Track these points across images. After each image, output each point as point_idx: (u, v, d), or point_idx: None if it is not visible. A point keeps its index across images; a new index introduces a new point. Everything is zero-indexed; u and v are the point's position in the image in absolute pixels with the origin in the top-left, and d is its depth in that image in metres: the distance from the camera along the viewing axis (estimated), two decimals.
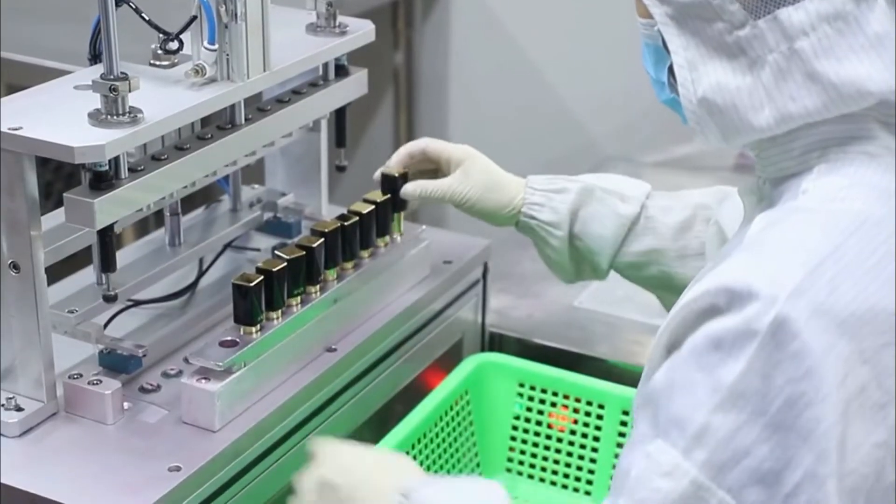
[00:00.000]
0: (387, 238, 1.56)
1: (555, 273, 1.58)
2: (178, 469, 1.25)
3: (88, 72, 1.36)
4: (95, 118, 1.25)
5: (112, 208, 1.27)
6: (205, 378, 1.31)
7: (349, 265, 1.49)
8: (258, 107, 1.49)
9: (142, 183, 1.30)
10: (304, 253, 1.41)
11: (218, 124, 1.43)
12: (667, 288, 1.51)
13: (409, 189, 1.54)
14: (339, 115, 1.63)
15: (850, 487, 0.98)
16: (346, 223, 1.48)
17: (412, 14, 3.14)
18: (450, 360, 1.68)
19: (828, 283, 0.98)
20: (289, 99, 1.52)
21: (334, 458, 1.21)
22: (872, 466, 0.99)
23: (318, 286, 1.44)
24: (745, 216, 1.17)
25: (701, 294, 1.01)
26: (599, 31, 2.94)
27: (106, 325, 1.43)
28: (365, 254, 1.52)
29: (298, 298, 1.41)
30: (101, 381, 1.32)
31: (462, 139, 3.24)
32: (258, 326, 1.35)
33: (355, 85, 1.62)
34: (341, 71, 1.60)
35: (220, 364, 1.31)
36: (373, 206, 1.52)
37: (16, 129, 1.22)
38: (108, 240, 1.29)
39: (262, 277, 1.35)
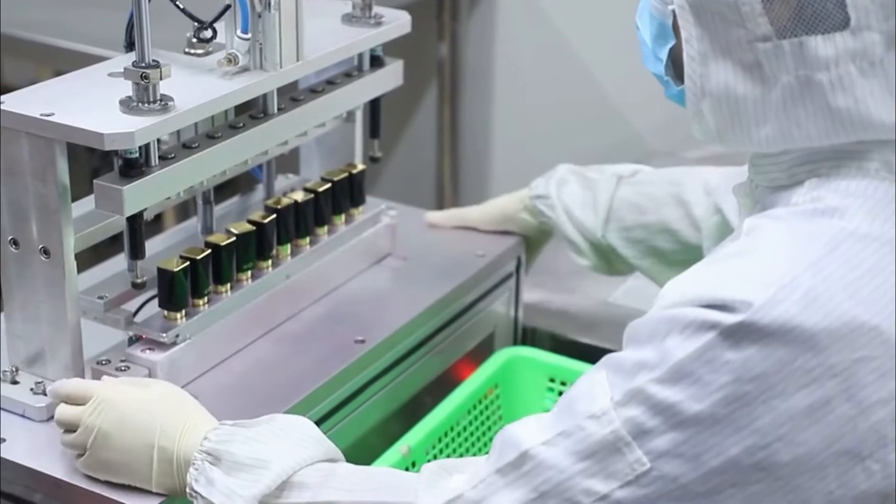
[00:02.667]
0: (344, 216, 1.58)
1: (582, 260, 1.66)
2: None
3: (123, 59, 1.36)
4: (126, 105, 1.25)
5: (141, 196, 1.27)
6: (150, 348, 1.33)
7: (304, 242, 1.51)
8: (291, 97, 1.49)
9: (172, 171, 1.30)
10: (253, 228, 1.42)
11: (251, 113, 1.43)
12: (662, 272, 1.57)
13: (438, 217, 1.72)
14: (374, 106, 1.63)
15: (806, 487, 0.98)
16: (300, 200, 1.49)
17: (457, 6, 3.13)
18: (482, 353, 1.67)
19: (802, 297, 0.97)
20: (322, 89, 1.52)
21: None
22: (835, 472, 0.98)
23: (269, 262, 1.45)
24: (741, 216, 1.16)
25: (678, 297, 1.02)
26: None
27: (136, 313, 1.43)
28: (322, 231, 1.53)
29: (249, 273, 1.43)
30: (129, 368, 1.33)
31: (505, 132, 3.27)
32: (206, 299, 1.37)
33: (390, 76, 1.62)
34: (376, 62, 1.60)
35: (164, 335, 1.33)
36: (329, 185, 1.53)
37: (48, 116, 1.23)
38: (138, 227, 1.30)
39: (209, 251, 1.37)
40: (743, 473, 0.98)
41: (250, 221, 1.44)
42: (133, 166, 1.27)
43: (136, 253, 1.31)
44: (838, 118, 1.02)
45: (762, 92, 1.03)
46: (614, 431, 1.00)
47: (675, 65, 1.11)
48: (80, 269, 1.32)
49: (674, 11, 1.07)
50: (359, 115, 1.67)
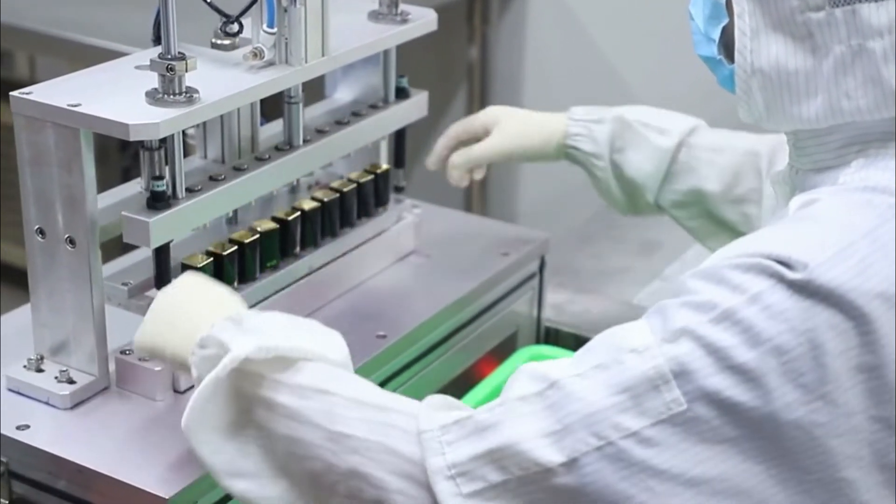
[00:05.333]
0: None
1: (611, 205, 1.62)
2: None
3: (150, 52, 1.38)
4: (152, 97, 1.26)
5: (168, 228, 1.29)
6: None
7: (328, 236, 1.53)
8: (316, 128, 1.51)
9: (198, 203, 1.32)
10: (277, 227, 1.44)
11: (276, 145, 1.45)
12: (711, 234, 1.56)
13: (456, 160, 1.60)
14: (399, 138, 1.64)
15: (838, 452, 0.98)
16: (325, 200, 1.50)
17: (488, 10, 3.14)
18: (504, 352, 1.68)
19: (859, 262, 0.97)
20: (348, 121, 1.54)
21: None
22: (869, 439, 0.98)
23: (291, 259, 1.47)
24: (779, 205, 1.16)
25: (735, 252, 1.01)
26: (676, 31, 2.91)
27: None
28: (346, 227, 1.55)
29: (271, 271, 1.44)
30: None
31: None
32: None
33: (415, 107, 1.63)
34: (402, 93, 1.61)
35: None
36: (355, 185, 1.54)
37: (74, 106, 1.24)
38: (164, 258, 1.32)
39: (235, 248, 1.39)
40: (780, 428, 0.97)
41: (274, 219, 1.45)
42: (160, 199, 1.29)
43: (163, 283, 1.33)
44: (889, 87, 1.02)
45: (813, 63, 1.04)
46: (656, 367, 0.98)
47: (727, 48, 1.11)
48: (106, 259, 1.34)
49: None
50: (383, 146, 1.66)
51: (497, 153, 1.61)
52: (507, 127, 1.61)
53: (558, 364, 1.04)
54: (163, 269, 1.33)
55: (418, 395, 1.51)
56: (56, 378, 1.33)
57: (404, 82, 1.61)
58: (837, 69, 1.03)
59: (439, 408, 1.08)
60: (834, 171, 1.07)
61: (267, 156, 1.42)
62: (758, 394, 0.97)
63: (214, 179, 1.36)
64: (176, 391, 1.35)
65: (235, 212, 1.53)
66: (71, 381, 1.32)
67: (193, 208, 1.32)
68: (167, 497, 1.20)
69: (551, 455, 1.00)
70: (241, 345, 1.10)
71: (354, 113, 1.56)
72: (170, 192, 1.30)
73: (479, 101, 3.26)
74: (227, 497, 1.27)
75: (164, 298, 1.23)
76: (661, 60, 2.99)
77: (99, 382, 1.34)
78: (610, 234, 2.11)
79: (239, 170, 1.39)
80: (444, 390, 1.57)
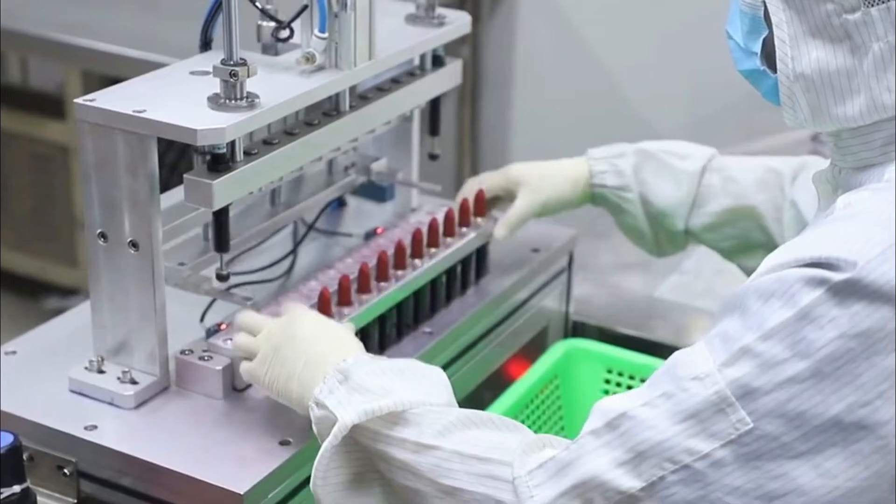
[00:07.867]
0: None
1: (637, 243, 1.66)
2: (288, 443, 1.30)
3: (201, 58, 1.40)
4: (215, 102, 1.29)
5: (228, 189, 1.31)
6: (230, 339, 1.36)
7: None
8: (360, 94, 1.53)
9: (256, 166, 1.34)
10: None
11: (324, 111, 1.47)
12: (742, 252, 1.59)
13: (500, 232, 1.61)
14: (434, 105, 1.67)
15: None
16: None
17: (479, 9, 3.17)
18: (533, 348, 1.71)
19: None
20: (389, 88, 1.56)
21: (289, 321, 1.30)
22: None
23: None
24: (821, 205, 1.20)
25: (780, 259, 1.05)
26: (667, 30, 2.96)
27: (203, 316, 1.47)
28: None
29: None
30: (211, 358, 1.37)
31: (525, 136, 3.32)
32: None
33: (450, 75, 1.66)
34: (437, 61, 1.64)
35: (249, 301, 1.38)
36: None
37: (140, 112, 1.27)
38: (224, 220, 1.34)
39: None
40: (845, 432, 1.00)
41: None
42: (220, 161, 1.31)
43: (221, 245, 1.35)
44: None
45: (853, 63, 1.08)
46: (718, 392, 1.03)
47: (769, 59, 1.15)
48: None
49: (764, 2, 1.12)
50: (416, 114, 1.71)
51: (531, 211, 1.62)
52: (532, 183, 1.62)
53: (625, 396, 1.09)
54: (222, 233, 1.35)
55: (463, 390, 1.56)
56: (119, 379, 1.35)
57: (440, 50, 1.64)
58: (877, 66, 1.08)
59: (532, 450, 1.13)
60: (879, 168, 1.11)
61: (316, 121, 1.44)
62: (818, 400, 1.00)
63: (269, 143, 1.38)
64: (235, 389, 1.38)
65: (278, 189, 1.56)
66: (133, 382, 1.35)
67: (252, 170, 1.33)
68: (242, 493, 1.22)
69: (630, 482, 1.05)
70: (348, 413, 1.16)
71: (394, 80, 1.58)
72: (229, 155, 1.32)
73: (471, 99, 3.30)
74: (295, 491, 1.30)
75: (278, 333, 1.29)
76: (650, 58, 3.04)
77: (160, 382, 1.36)
78: None
79: (291, 134, 1.41)
80: (483, 385, 1.61)
